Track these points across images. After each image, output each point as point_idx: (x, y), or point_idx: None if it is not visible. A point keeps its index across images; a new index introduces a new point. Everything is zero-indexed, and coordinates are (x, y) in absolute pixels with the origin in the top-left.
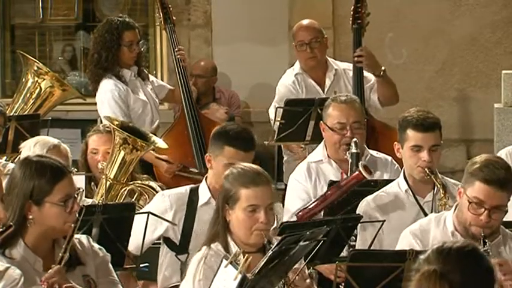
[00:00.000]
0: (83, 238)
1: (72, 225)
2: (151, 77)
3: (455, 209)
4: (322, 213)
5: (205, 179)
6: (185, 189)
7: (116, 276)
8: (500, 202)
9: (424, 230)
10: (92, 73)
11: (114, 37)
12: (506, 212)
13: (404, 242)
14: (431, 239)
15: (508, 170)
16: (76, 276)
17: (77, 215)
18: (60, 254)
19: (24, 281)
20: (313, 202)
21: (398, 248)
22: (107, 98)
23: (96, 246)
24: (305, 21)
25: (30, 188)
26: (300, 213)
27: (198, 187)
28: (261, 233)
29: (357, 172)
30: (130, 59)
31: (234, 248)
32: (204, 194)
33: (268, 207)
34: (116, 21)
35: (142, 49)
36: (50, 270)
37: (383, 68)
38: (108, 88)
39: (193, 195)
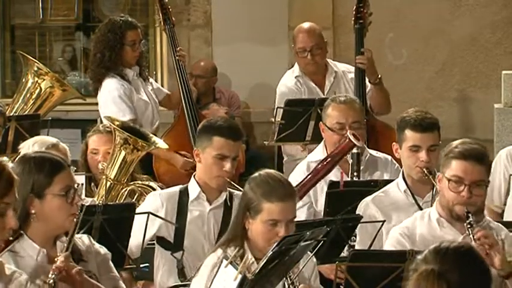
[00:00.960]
0: (84, 237)
1: (75, 218)
2: (151, 80)
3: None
4: (322, 213)
5: (194, 176)
6: (176, 189)
7: (116, 273)
8: (479, 177)
9: (410, 227)
10: (94, 73)
11: (117, 36)
12: (486, 187)
13: (392, 240)
14: (418, 235)
15: (482, 146)
16: None
17: (79, 211)
18: (65, 245)
19: (28, 276)
20: (307, 176)
21: (386, 247)
22: (112, 96)
23: (97, 245)
24: (306, 25)
25: (30, 182)
26: None
27: (187, 186)
28: None
29: (346, 140)
30: (133, 59)
31: (250, 256)
32: (193, 189)
33: (289, 222)
34: (119, 20)
35: (144, 49)
36: (58, 258)
37: (379, 76)
38: (112, 87)
39: (184, 193)
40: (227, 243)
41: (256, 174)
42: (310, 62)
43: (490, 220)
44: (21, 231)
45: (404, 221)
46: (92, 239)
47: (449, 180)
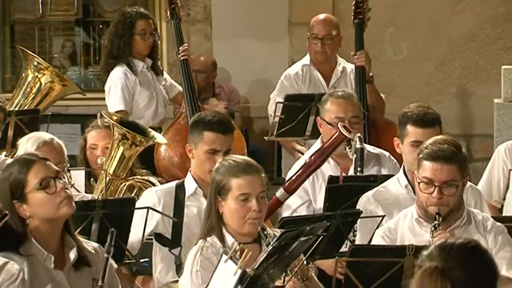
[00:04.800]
0: (96, 245)
1: (71, 201)
2: (166, 75)
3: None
4: (322, 208)
5: (190, 171)
6: (172, 184)
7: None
8: (449, 177)
9: (392, 227)
10: (104, 64)
11: (126, 26)
12: (457, 187)
13: (375, 242)
14: (399, 234)
15: (454, 144)
16: (83, 277)
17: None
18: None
19: (33, 278)
20: (298, 170)
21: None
22: (114, 84)
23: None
24: (322, 16)
25: (8, 190)
26: (286, 184)
27: (183, 181)
28: (254, 221)
29: (337, 133)
30: (143, 49)
31: (229, 239)
32: (190, 185)
33: (260, 196)
34: (130, 11)
35: (156, 39)
36: None
37: (371, 75)
38: (117, 76)
39: (180, 189)
40: (205, 233)
41: (221, 161)
42: (319, 50)
43: (476, 212)
44: (30, 236)
45: (389, 221)
46: (103, 249)
47: (420, 181)
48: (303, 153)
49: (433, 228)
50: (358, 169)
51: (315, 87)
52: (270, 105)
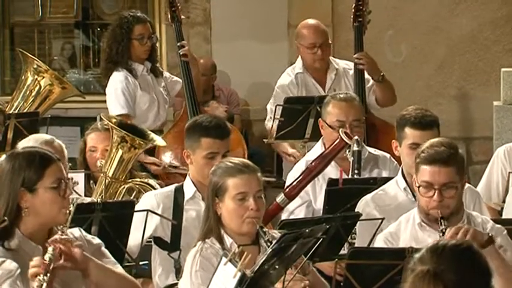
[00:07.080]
0: (75, 230)
1: (68, 211)
2: (166, 73)
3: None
4: (321, 211)
5: (188, 175)
6: (171, 188)
7: (112, 257)
8: (448, 179)
9: (394, 232)
10: (103, 68)
11: (123, 31)
12: (457, 188)
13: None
14: (401, 239)
15: (451, 146)
16: None
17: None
18: (60, 232)
19: (22, 272)
20: (299, 176)
21: None
22: (115, 88)
23: (89, 236)
24: (313, 21)
25: (21, 177)
26: (287, 190)
27: (182, 185)
28: (252, 220)
29: (338, 139)
30: (142, 53)
31: (228, 241)
32: (189, 188)
33: (257, 195)
34: (127, 15)
35: (154, 41)
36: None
37: (382, 73)
38: (117, 79)
39: (178, 192)
40: (204, 235)
41: (218, 163)
42: (319, 57)
43: (476, 215)
44: (4, 226)
45: (390, 226)
46: (83, 231)
47: (419, 186)
48: (295, 157)
49: (441, 234)
50: (356, 171)
51: (310, 94)
52: (267, 120)
